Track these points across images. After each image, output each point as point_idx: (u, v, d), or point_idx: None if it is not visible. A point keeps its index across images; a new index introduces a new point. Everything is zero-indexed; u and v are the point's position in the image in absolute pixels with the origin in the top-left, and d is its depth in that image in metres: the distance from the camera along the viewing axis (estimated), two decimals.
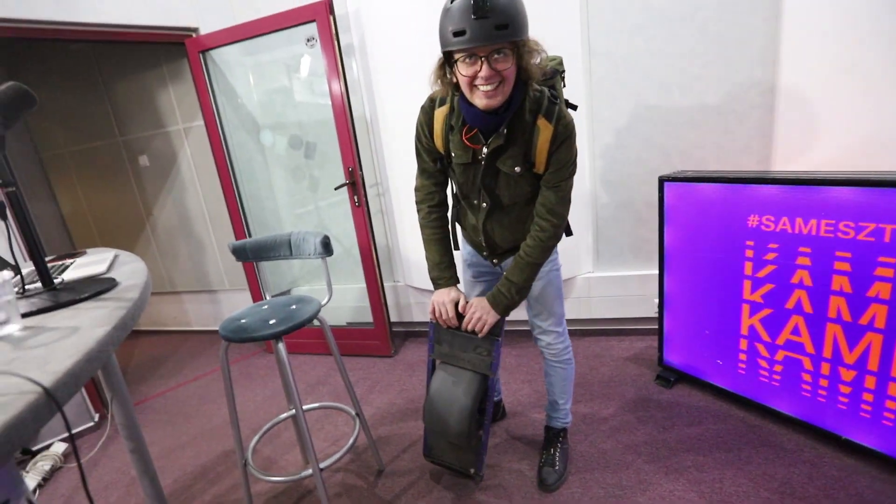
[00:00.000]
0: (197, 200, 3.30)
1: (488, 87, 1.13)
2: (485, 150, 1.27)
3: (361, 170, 2.51)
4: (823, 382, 1.65)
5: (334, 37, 2.31)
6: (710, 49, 2.11)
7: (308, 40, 2.51)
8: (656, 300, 2.14)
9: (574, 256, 2.49)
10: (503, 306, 1.39)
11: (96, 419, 2.44)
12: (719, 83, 2.14)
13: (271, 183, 3.09)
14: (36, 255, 0.96)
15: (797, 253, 1.61)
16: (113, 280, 1.07)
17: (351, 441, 1.68)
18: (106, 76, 3.21)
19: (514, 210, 1.38)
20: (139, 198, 3.46)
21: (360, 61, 2.55)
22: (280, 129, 2.96)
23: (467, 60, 1.12)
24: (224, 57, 2.75)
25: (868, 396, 1.55)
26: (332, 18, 2.28)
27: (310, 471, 1.52)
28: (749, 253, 1.75)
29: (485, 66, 1.10)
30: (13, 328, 0.80)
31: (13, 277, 0.84)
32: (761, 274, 1.73)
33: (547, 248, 1.35)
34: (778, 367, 1.77)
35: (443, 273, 1.50)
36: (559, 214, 1.31)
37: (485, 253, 1.52)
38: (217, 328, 3.57)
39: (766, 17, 2.01)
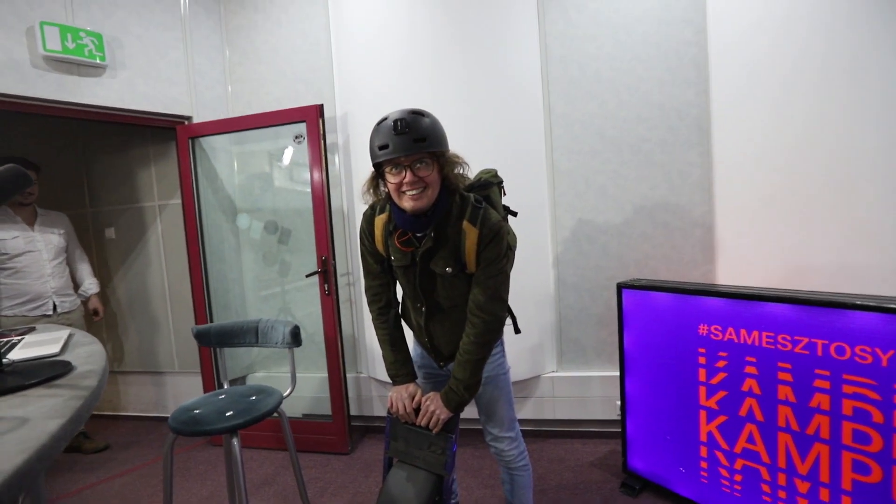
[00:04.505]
0: (160, 277, 3.21)
1: (413, 192, 1.26)
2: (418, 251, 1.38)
3: (334, 259, 2.57)
4: (782, 494, 1.67)
5: (321, 136, 2.49)
6: (655, 174, 2.41)
7: (296, 138, 2.69)
8: (618, 402, 2.17)
9: (538, 355, 2.52)
10: (455, 403, 1.40)
11: None
12: (666, 203, 2.41)
13: (241, 265, 3.08)
14: None
15: (745, 362, 1.72)
16: (68, 364, 1.02)
17: None
18: (89, 149, 3.26)
19: (454, 313, 1.45)
20: (97, 270, 3.34)
21: (343, 158, 2.73)
22: (257, 213, 3.03)
23: (394, 170, 1.27)
24: (211, 143, 2.88)
25: None
26: (321, 121, 2.48)
27: None
28: (702, 360, 1.85)
29: (408, 174, 1.25)
30: None
31: None
32: (714, 381, 1.82)
33: (482, 343, 1.38)
34: (738, 477, 1.78)
35: (399, 370, 1.52)
36: (488, 311, 1.37)
37: (432, 355, 1.56)
38: (157, 415, 3.33)
39: (701, 153, 2.34)
